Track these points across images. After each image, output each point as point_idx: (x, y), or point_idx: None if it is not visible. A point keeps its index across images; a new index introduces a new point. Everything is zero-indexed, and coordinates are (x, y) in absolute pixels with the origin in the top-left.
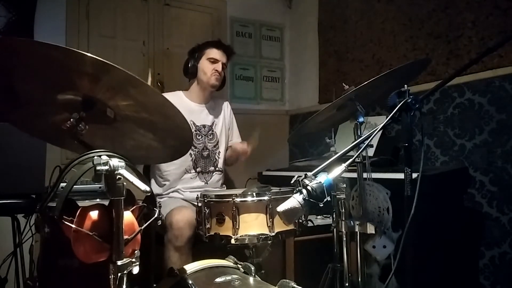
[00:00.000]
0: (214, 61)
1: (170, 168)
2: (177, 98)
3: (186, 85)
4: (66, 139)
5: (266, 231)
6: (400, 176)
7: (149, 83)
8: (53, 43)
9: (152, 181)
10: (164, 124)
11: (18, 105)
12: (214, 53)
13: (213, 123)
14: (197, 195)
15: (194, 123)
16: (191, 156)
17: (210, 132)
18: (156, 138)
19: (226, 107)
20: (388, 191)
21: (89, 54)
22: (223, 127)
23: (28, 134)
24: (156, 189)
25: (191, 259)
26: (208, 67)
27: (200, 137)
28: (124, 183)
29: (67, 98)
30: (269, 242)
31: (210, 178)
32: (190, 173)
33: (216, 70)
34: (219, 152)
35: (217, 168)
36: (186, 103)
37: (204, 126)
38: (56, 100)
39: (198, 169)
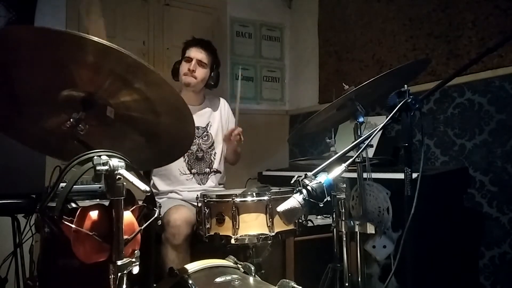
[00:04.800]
0: (188, 59)
1: (164, 171)
2: None
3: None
4: (60, 148)
5: (266, 231)
6: (400, 176)
7: None
8: (53, 28)
9: (151, 182)
10: (166, 121)
11: (16, 110)
12: (189, 51)
13: (207, 124)
14: (197, 195)
15: None
16: (184, 157)
17: (205, 133)
18: (154, 141)
19: (223, 105)
20: (388, 191)
21: (91, 37)
22: (220, 127)
23: (22, 143)
24: (154, 190)
25: (189, 257)
26: (182, 67)
27: (194, 139)
28: (124, 183)
29: (67, 96)
30: (269, 242)
31: (207, 180)
32: (186, 174)
33: (188, 69)
34: (215, 153)
35: (212, 169)
36: None
37: (198, 127)
38: (57, 98)
39: (194, 171)
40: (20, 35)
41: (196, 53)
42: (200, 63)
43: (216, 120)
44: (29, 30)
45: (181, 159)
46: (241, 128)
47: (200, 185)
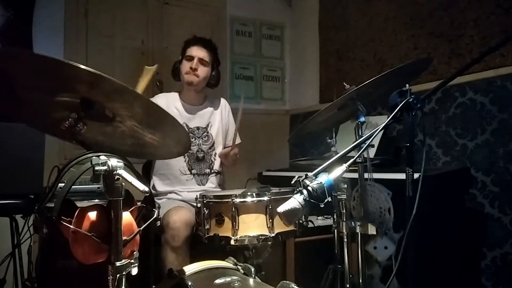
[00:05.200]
0: (189, 58)
1: (165, 170)
2: (171, 100)
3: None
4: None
5: (266, 232)
6: (402, 176)
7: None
8: (51, 56)
9: (151, 183)
10: (160, 126)
11: (23, 107)
12: (190, 50)
13: (208, 124)
14: (196, 195)
15: (187, 125)
16: (184, 158)
17: (205, 134)
18: (156, 135)
19: (224, 106)
20: (390, 191)
21: (83, 67)
22: (220, 128)
23: (43, 132)
24: (153, 191)
25: (189, 259)
26: (184, 66)
27: (194, 139)
28: (123, 184)
29: (66, 100)
30: (269, 243)
31: (207, 181)
32: (186, 175)
33: (191, 68)
34: (215, 153)
35: (213, 170)
36: (179, 105)
37: (198, 128)
38: (55, 102)
39: (194, 172)
40: (17, 56)
41: (198, 52)
42: (202, 61)
43: (216, 121)
44: (25, 55)
45: (182, 159)
46: (237, 149)
47: (200, 185)
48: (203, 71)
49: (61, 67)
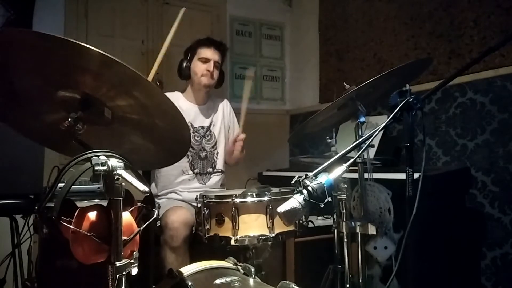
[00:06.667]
0: (205, 60)
1: (166, 170)
2: (175, 99)
3: (185, 85)
4: (62, 143)
5: (266, 232)
6: (402, 176)
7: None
8: (56, 35)
9: (152, 183)
10: (162, 126)
11: (16, 105)
12: (205, 52)
13: (211, 124)
14: (197, 195)
15: (191, 125)
16: (187, 157)
17: (208, 133)
18: (153, 142)
19: (226, 105)
20: (390, 191)
21: (95, 49)
22: (222, 127)
23: (24, 136)
24: (154, 190)
25: (188, 259)
26: (199, 68)
27: (198, 138)
28: (123, 184)
29: (66, 96)
30: (269, 243)
31: (209, 180)
32: (188, 174)
33: (208, 71)
34: (218, 152)
35: (215, 169)
36: (183, 105)
37: (202, 127)
38: (55, 98)
39: (196, 171)
40: (22, 38)
41: (214, 55)
42: (216, 64)
43: (219, 120)
44: (33, 35)
45: (185, 159)
46: (244, 134)
47: (202, 185)
48: (216, 74)
49: (67, 49)
